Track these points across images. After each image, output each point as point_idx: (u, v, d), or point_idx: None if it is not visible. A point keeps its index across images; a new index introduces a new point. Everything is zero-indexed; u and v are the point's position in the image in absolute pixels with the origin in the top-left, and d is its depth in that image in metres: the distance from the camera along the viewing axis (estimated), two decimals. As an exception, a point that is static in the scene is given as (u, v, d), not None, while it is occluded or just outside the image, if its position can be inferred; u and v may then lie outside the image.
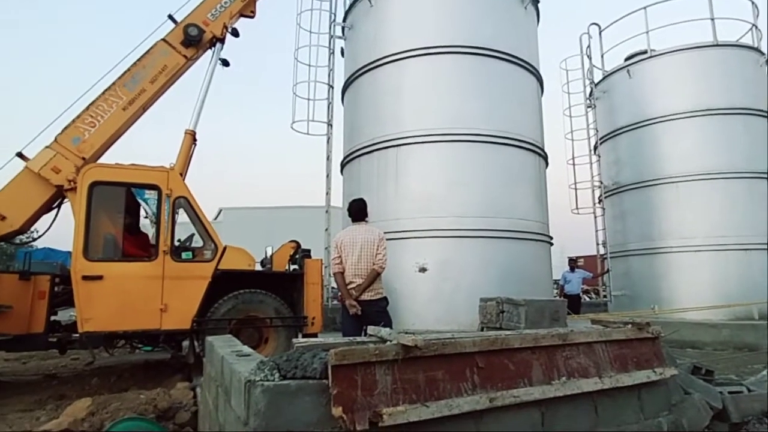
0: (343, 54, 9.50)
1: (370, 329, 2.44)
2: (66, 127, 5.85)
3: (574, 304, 10.86)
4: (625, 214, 11.28)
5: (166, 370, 6.22)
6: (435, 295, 7.08)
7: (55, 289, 5.43)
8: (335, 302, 10.22)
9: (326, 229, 8.66)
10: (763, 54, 10.86)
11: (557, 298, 10.38)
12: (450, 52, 7.67)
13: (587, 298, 17.48)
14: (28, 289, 5.19)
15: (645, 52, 11.05)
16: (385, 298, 4.87)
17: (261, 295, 5.73)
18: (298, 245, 6.54)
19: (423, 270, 7.13)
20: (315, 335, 5.85)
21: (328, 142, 8.90)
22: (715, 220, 9.87)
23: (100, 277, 5.11)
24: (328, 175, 8.78)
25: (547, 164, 8.63)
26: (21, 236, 6.00)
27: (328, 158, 8.84)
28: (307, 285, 5.94)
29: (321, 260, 6.39)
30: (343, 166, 8.86)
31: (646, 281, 10.58)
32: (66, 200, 5.75)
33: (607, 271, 10.96)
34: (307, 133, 9.00)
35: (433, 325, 6.86)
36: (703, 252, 9.81)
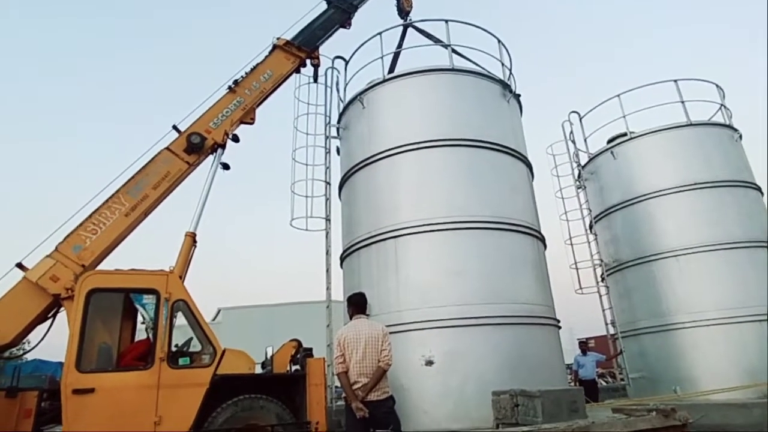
0: (338, 152, 9.92)
1: (377, 435, 2.29)
2: (68, 236, 5.94)
3: (591, 391, 10.29)
4: (630, 291, 11.11)
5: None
6: (444, 390, 6.73)
7: (42, 404, 5.15)
8: (339, 403, 9.68)
9: (328, 325, 8.44)
10: (736, 130, 11.41)
11: (572, 385, 9.88)
12: (439, 145, 8.02)
13: (603, 383, 16.62)
14: (14, 408, 4.91)
15: (625, 134, 11.60)
16: (392, 397, 4.64)
17: (262, 401, 5.44)
18: (300, 344, 6.34)
19: (430, 363, 6.84)
20: (319, 442, 5.46)
21: (326, 236, 8.99)
22: (721, 292, 9.72)
23: (91, 390, 4.87)
24: (327, 270, 8.75)
25: (545, 246, 8.66)
26: (12, 349, 5.81)
27: (328, 252, 8.87)
28: (310, 386, 5.67)
29: (324, 359, 6.16)
30: (342, 260, 8.86)
31: (663, 361, 10.14)
32: (62, 309, 5.66)
33: (621, 352, 10.55)
34: (306, 229, 9.11)
35: (444, 423, 6.45)
36: (717, 326, 9.53)
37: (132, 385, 5.04)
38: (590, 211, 11.86)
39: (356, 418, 4.43)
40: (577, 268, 11.59)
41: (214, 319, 31.21)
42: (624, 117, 11.63)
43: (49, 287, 5.53)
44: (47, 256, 5.76)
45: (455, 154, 8.02)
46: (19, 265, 5.74)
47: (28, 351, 6.15)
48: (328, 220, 9.17)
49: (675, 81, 11.45)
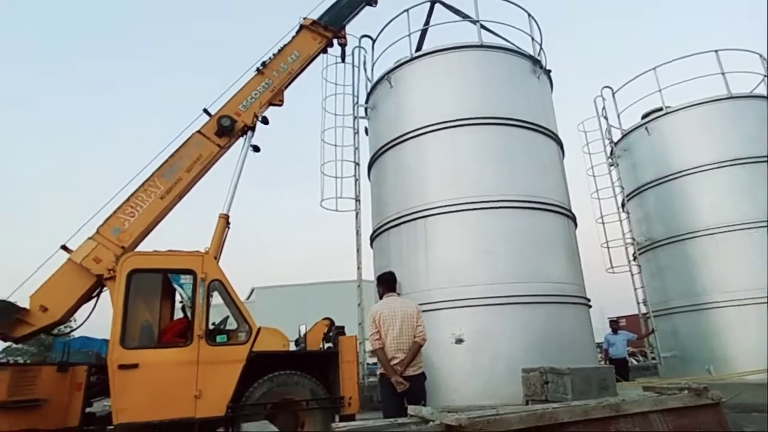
0: (367, 133, 9.93)
1: (411, 409, 2.35)
2: (107, 219, 6.16)
3: (622, 369, 10.20)
4: (663, 270, 10.88)
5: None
6: (473, 368, 6.82)
7: (91, 379, 5.43)
8: (371, 379, 9.89)
9: (359, 304, 8.60)
10: (781, 102, 10.86)
11: (602, 364, 9.82)
12: (469, 124, 7.93)
13: (634, 362, 16.44)
14: (66, 381, 5.20)
15: (660, 109, 11.19)
16: (424, 373, 4.73)
17: (297, 377, 5.61)
18: (332, 322, 6.47)
19: (459, 341, 6.92)
20: (353, 416, 5.62)
21: (356, 217, 9.08)
22: (758, 271, 9.41)
23: (135, 366, 5.12)
24: (358, 250, 8.86)
25: (576, 225, 8.54)
26: (60, 327, 6.13)
27: (358, 233, 8.97)
28: (343, 363, 5.80)
29: (356, 337, 6.28)
30: (372, 240, 8.95)
31: (696, 340, 9.96)
32: (105, 289, 5.91)
33: (653, 331, 10.40)
34: (336, 210, 9.21)
35: (473, 399, 6.54)
36: (753, 305, 9.27)
37: (173, 361, 5.26)
38: (622, 188, 11.58)
39: (391, 393, 4.52)
40: (608, 247, 11.40)
41: (248, 299, 32.00)
42: (659, 91, 11.21)
43: (92, 268, 5.78)
44: (89, 239, 6.00)
45: (486, 133, 7.93)
46: (64, 247, 6.00)
47: (76, 328, 6.45)
48: (357, 200, 9.24)
49: (716, 51, 10.94)
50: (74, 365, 5.31)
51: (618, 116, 12.35)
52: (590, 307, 8.12)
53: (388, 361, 4.59)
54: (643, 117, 11.81)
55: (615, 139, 12.21)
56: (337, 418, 5.64)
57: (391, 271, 5.22)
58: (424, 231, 7.66)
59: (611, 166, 11.77)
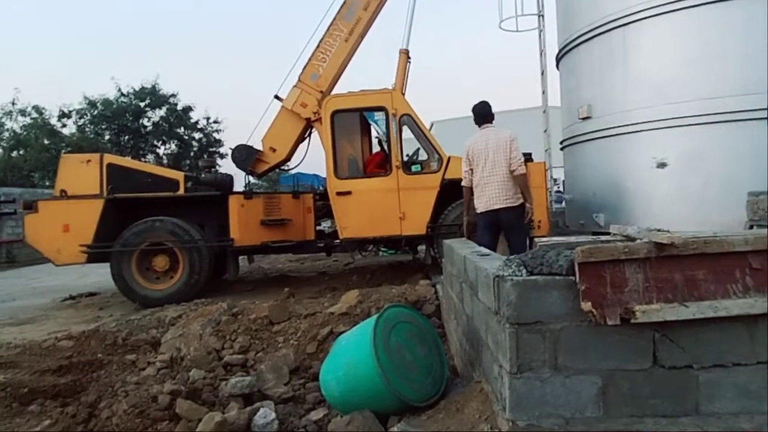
0: (550, -73, 8.36)
1: (614, 228, 2.37)
2: (305, 67, 6.77)
3: None
4: None
5: (408, 270, 7.14)
6: (678, 193, 6.24)
7: (317, 204, 6.65)
8: (557, 206, 9.93)
9: (545, 131, 8.27)
10: None
11: None
12: None
13: None
14: (300, 206, 6.49)
15: None
16: (524, 205, 4.44)
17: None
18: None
19: (662, 165, 6.30)
20: (543, 238, 5.88)
21: (540, 35, 8.22)
22: None
23: (349, 192, 6.03)
24: (542, 73, 8.21)
25: None
26: (287, 163, 7.39)
27: (542, 53, 8.20)
28: (532, 188, 5.88)
29: (544, 163, 6.24)
30: (558, 60, 8.11)
31: None
32: (313, 130, 6.79)
33: None
34: (517, 30, 8.45)
35: (677, 225, 6.05)
36: None
37: (378, 188, 6.06)
38: None
39: (485, 225, 4.46)
40: None
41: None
42: None
43: (301, 112, 6.62)
44: (294, 87, 6.75)
45: None
46: (276, 97, 6.90)
47: (297, 165, 7.66)
48: (541, 16, 8.25)
49: None
50: (303, 193, 6.52)
51: None
52: None
53: (469, 200, 4.49)
54: None
55: None
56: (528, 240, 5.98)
57: (484, 100, 4.66)
58: (623, 42, 6.60)
59: None
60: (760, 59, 5.85)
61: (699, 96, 6.04)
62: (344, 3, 6.81)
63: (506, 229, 4.46)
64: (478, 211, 4.50)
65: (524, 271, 2.15)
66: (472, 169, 4.50)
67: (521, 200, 4.42)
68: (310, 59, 6.79)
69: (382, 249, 8.37)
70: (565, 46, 7.70)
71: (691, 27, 6.11)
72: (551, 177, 8.89)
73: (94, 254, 5.93)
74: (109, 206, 5.93)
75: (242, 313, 4.33)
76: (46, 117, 21.51)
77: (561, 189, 8.51)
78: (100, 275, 7.75)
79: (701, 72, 6.03)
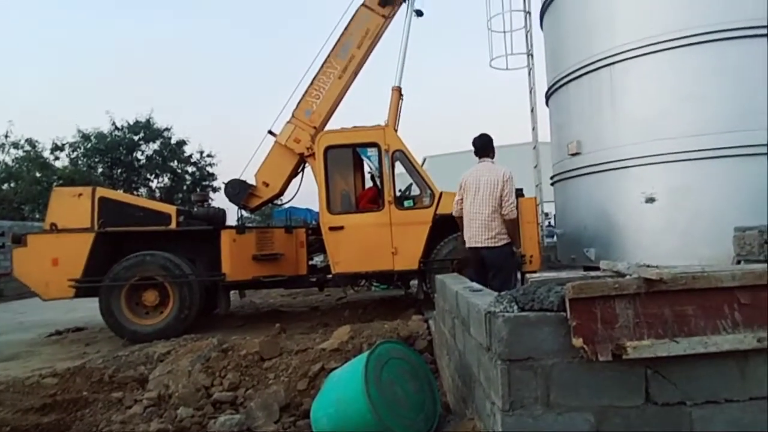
0: (537, -27, 8.74)
1: (604, 263, 2.40)
2: (299, 103, 6.90)
3: None
4: None
5: (400, 305, 7.08)
6: (666, 227, 6.33)
7: (309, 238, 6.64)
8: (548, 240, 9.99)
9: (535, 166, 8.42)
10: None
11: None
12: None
13: None
14: (292, 240, 6.48)
15: None
16: (510, 244, 4.37)
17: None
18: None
19: (651, 200, 6.40)
20: (534, 273, 5.89)
21: (529, 74, 8.47)
22: None
23: (341, 228, 6.05)
24: (532, 110, 8.41)
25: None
26: (280, 198, 7.42)
27: (531, 91, 8.43)
28: (524, 224, 5.95)
29: (535, 198, 6.31)
30: (548, 97, 8.34)
31: None
32: (307, 165, 6.86)
33: None
34: (507, 69, 8.70)
35: (665, 259, 6.13)
36: None
37: (371, 223, 6.08)
38: None
39: (473, 260, 4.41)
40: None
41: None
42: None
43: (294, 148, 6.71)
44: (288, 122, 6.87)
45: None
46: (270, 132, 7.00)
47: (290, 200, 7.65)
48: (530, 55, 8.53)
49: None
50: (296, 228, 6.52)
51: None
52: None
53: (462, 229, 4.45)
54: None
55: None
56: (519, 275, 5.99)
57: (484, 133, 4.59)
58: (610, 80, 6.82)
59: None
60: (738, 98, 6.06)
61: (684, 133, 6.21)
62: (338, 41, 7.01)
63: (489, 267, 4.38)
64: (466, 244, 4.49)
65: (515, 307, 2.16)
66: (462, 199, 4.47)
67: (505, 240, 4.33)
68: (303, 95, 6.93)
69: (375, 284, 8.33)
70: (554, 84, 7.93)
71: (673, 67, 6.34)
72: (542, 211, 8.98)
73: (83, 288, 5.86)
74: (100, 240, 5.89)
75: (232, 348, 4.26)
76: (39, 150, 21.59)
77: (552, 223, 8.59)
78: (88, 310, 7.61)
79: (685, 110, 6.22)
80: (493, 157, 4.54)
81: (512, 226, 4.35)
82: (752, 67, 6.07)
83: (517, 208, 6.02)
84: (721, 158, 6.03)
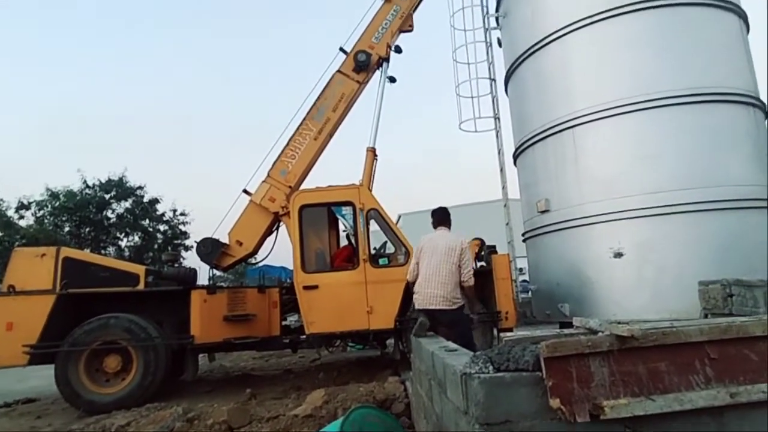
0: (500, 44, 9.34)
1: (577, 320, 2.42)
2: (275, 163, 6.99)
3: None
4: None
5: (376, 366, 6.90)
6: (636, 282, 6.48)
7: (283, 298, 6.50)
8: (523, 295, 10.04)
9: (507, 223, 8.60)
10: None
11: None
12: (618, 14, 6.96)
13: None
14: (265, 300, 6.32)
15: None
16: (462, 307, 4.43)
17: (454, 294, 5.97)
18: (482, 242, 6.64)
19: (619, 255, 6.58)
20: (510, 330, 5.87)
21: (497, 136, 8.86)
22: None
23: (316, 287, 5.96)
24: (501, 169, 8.72)
25: (766, 115, 7.20)
26: (254, 256, 7.32)
27: (500, 152, 8.78)
28: (498, 280, 6.00)
29: (508, 255, 6.40)
30: (515, 157, 8.70)
31: None
32: (281, 224, 6.85)
33: None
34: (475, 131, 9.08)
35: (637, 314, 6.28)
36: None
37: (345, 282, 6.01)
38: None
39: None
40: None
41: (395, 225, 33.68)
42: None
43: (269, 207, 6.71)
44: (263, 182, 6.91)
45: (639, 21, 6.90)
46: (245, 191, 7.02)
47: (263, 259, 7.57)
48: (497, 118, 8.96)
49: None
50: (269, 287, 6.39)
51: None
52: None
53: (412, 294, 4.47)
54: None
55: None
56: (495, 332, 5.95)
57: (443, 207, 4.82)
58: (572, 142, 7.18)
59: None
60: (690, 158, 6.46)
61: (643, 190, 6.51)
62: (314, 104, 7.24)
63: (445, 326, 4.30)
64: (416, 306, 4.44)
65: (491, 367, 2.13)
66: (418, 263, 4.49)
67: (460, 304, 4.37)
68: (279, 156, 7.03)
69: (350, 344, 8.13)
70: (521, 145, 8.29)
71: (629, 129, 6.75)
72: (516, 267, 9.08)
73: (39, 355, 5.50)
74: (62, 302, 5.62)
75: (199, 418, 4.03)
76: (3, 208, 20.93)
77: (527, 278, 8.69)
78: (42, 378, 7.13)
79: (642, 168, 6.56)
80: (449, 228, 4.66)
81: (471, 291, 4.42)
82: (699, 129, 6.52)
83: (489, 264, 6.16)
84: (679, 214, 6.31)
